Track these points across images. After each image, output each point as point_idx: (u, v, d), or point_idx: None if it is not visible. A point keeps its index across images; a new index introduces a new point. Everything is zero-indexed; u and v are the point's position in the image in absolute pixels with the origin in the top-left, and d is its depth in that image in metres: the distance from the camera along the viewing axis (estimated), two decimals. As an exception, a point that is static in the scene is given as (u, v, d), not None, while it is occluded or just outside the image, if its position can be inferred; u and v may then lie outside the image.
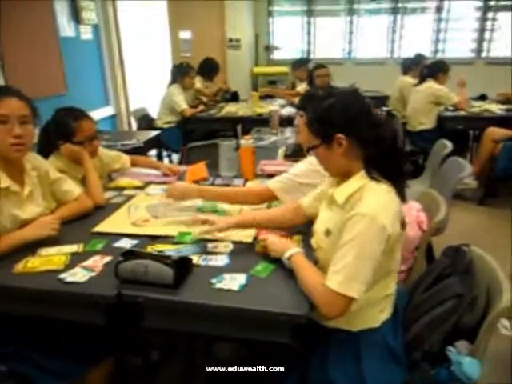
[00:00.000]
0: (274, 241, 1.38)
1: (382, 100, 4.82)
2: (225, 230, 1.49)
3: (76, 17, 4.21)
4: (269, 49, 6.36)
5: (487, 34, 6.23)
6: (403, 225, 1.75)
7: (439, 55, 6.20)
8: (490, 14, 6.19)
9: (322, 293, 1.15)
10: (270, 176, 2.19)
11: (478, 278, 1.27)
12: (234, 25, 5.58)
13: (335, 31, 6.53)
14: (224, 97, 4.75)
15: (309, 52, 6.56)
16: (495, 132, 3.84)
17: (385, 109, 4.45)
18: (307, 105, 1.32)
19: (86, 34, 4.46)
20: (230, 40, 5.60)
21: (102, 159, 2.14)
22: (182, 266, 1.26)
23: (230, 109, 4.32)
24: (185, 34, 5.59)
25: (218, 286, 1.25)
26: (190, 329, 1.29)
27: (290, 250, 1.31)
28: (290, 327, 1.17)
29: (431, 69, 3.98)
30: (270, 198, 1.72)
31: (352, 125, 1.20)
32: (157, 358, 1.97)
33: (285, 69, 5.61)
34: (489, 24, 6.22)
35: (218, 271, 1.32)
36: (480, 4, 6.14)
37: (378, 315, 1.28)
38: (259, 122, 3.71)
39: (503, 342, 2.23)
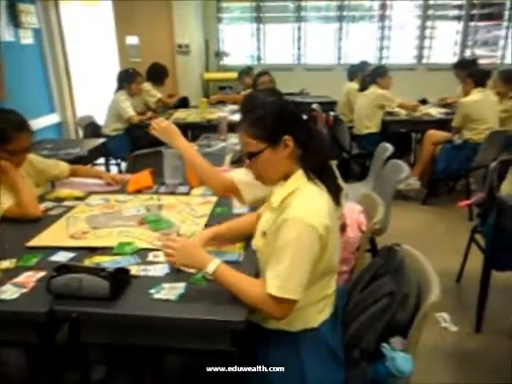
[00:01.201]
0: (180, 252, 1.26)
1: (331, 105, 4.95)
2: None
3: (15, 20, 4.04)
4: (219, 55, 6.37)
5: (427, 42, 6.56)
6: (343, 227, 1.81)
7: (384, 61, 6.45)
8: (429, 23, 6.53)
9: (263, 300, 1.16)
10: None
11: (409, 275, 1.33)
12: (183, 30, 5.55)
13: (285, 37, 6.65)
14: (176, 103, 4.71)
15: (259, 58, 6.64)
16: (434, 134, 4.05)
17: (332, 114, 4.58)
18: (247, 109, 1.31)
19: (27, 38, 4.29)
20: (179, 46, 5.57)
21: (35, 166, 2.03)
22: (119, 278, 1.24)
23: (180, 115, 4.29)
24: (132, 40, 5.50)
25: (157, 296, 1.24)
26: (130, 342, 1.27)
27: (210, 263, 1.23)
28: (230, 334, 1.18)
29: (372, 75, 4.13)
30: (230, 189, 1.61)
31: (295, 125, 1.23)
32: (102, 375, 1.91)
33: (235, 74, 5.64)
34: (428, 32, 6.55)
35: (158, 281, 1.31)
36: (420, 13, 6.47)
37: (317, 315, 1.31)
38: (209, 128, 3.71)
39: (445, 335, 2.35)
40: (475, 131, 3.65)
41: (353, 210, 1.87)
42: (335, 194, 1.25)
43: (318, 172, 1.24)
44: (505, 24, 6.48)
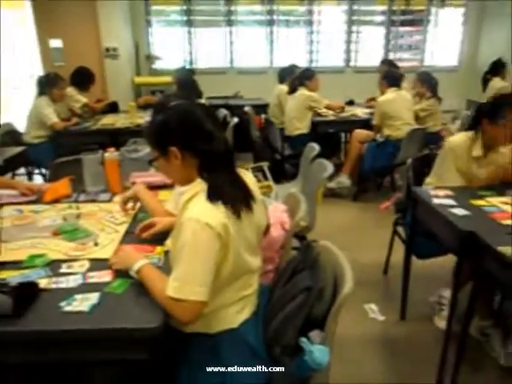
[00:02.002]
0: (119, 255, 1.37)
1: (263, 107, 5.02)
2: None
3: None
4: (150, 58, 6.25)
5: (354, 46, 6.86)
6: (267, 227, 1.83)
7: (314, 65, 6.65)
8: (355, 28, 6.83)
9: (167, 302, 1.16)
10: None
11: (325, 269, 1.37)
12: (110, 33, 5.38)
13: (217, 41, 6.66)
14: (103, 108, 4.54)
15: (191, 62, 6.59)
16: (360, 134, 4.24)
17: (264, 116, 4.65)
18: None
19: None
20: (107, 49, 5.40)
21: None
22: (24, 293, 1.17)
23: (108, 121, 4.14)
24: (55, 43, 5.25)
25: (67, 308, 1.18)
26: (40, 359, 1.20)
27: (137, 263, 1.28)
28: (146, 341, 1.15)
29: (300, 78, 4.25)
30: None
31: (185, 138, 1.23)
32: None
33: (168, 78, 5.55)
34: (355, 36, 6.85)
35: (70, 293, 1.25)
36: (346, 18, 6.75)
37: (237, 316, 1.31)
38: (138, 133, 3.60)
39: (373, 325, 2.45)
40: (393, 128, 3.88)
41: (276, 210, 1.90)
42: (241, 199, 1.25)
43: (218, 179, 1.23)
44: (424, 29, 6.93)
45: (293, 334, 1.30)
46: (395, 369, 2.13)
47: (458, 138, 2.31)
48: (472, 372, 2.07)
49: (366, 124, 4.31)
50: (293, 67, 4.77)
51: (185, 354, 1.29)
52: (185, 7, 6.40)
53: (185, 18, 6.51)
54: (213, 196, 1.20)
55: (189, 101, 1.28)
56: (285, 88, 4.57)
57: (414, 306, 2.52)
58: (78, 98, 4.35)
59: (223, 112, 4.46)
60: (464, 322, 1.84)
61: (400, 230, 2.70)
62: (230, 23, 6.54)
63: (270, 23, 6.60)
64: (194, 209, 1.18)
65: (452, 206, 1.94)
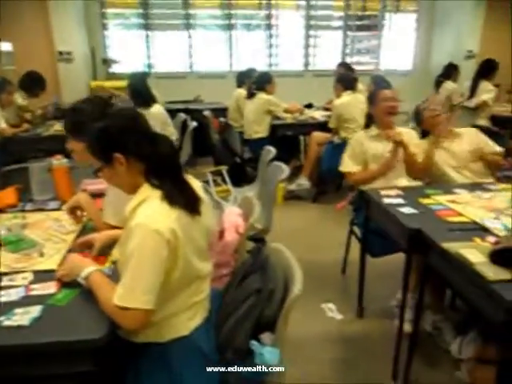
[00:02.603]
0: (67, 265, 1.34)
1: (222, 111, 5.02)
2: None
3: None
4: (107, 62, 6.12)
5: (313, 50, 6.98)
6: (221, 232, 1.82)
7: (273, 68, 6.71)
8: (313, 32, 6.95)
9: (112, 310, 1.14)
10: (94, 196, 2.10)
11: (275, 271, 1.38)
12: (64, 37, 5.23)
13: (176, 45, 6.61)
14: (55, 114, 4.38)
15: (150, 66, 6.51)
16: (318, 136, 4.31)
17: (222, 120, 4.65)
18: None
19: None
20: (61, 53, 5.24)
21: None
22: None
23: (61, 126, 4.01)
24: (5, 46, 5.04)
25: (7, 323, 1.13)
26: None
27: (86, 269, 1.26)
28: (90, 353, 1.12)
29: (258, 82, 4.27)
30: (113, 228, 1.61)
31: (128, 143, 1.21)
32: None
33: (125, 83, 5.46)
34: (313, 41, 6.97)
35: (11, 307, 1.20)
36: (304, 23, 6.85)
37: (188, 322, 1.30)
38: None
39: (331, 324, 2.49)
40: (349, 130, 3.97)
41: (231, 213, 1.90)
42: (189, 203, 1.24)
43: (166, 181, 1.22)
44: (379, 34, 7.14)
45: (244, 337, 1.30)
46: (353, 366, 2.17)
47: (361, 131, 2.81)
48: (425, 365, 2.14)
49: (324, 126, 4.38)
50: (251, 71, 4.80)
51: (135, 364, 1.26)
52: (142, 10, 6.32)
53: (142, 22, 6.42)
54: (163, 200, 1.18)
55: (129, 107, 1.25)
56: (243, 92, 4.59)
57: (371, 304, 2.58)
58: (27, 104, 4.19)
59: (182, 116, 4.42)
60: (414, 318, 1.90)
61: (356, 229, 2.76)
62: (188, 27, 6.50)
63: (229, 27, 6.61)
64: (142, 215, 1.16)
65: (401, 205, 2.00)
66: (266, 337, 1.33)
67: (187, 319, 1.29)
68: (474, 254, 1.45)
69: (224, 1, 6.47)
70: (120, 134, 1.21)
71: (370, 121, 2.74)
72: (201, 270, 1.30)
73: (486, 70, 4.89)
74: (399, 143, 2.50)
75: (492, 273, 1.35)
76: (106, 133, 1.22)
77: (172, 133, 4.01)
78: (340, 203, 2.77)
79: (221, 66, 6.67)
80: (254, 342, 1.27)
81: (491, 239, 1.58)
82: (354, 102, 4.12)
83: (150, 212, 1.16)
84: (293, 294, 1.29)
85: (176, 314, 1.27)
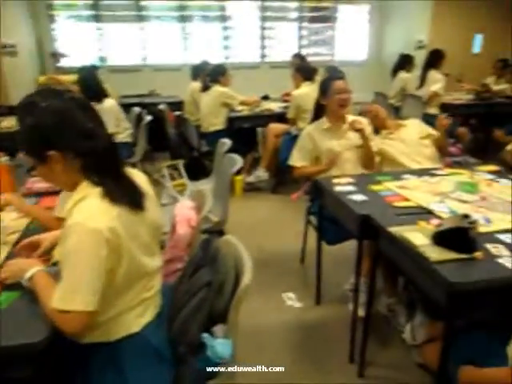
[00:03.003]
0: (10, 264, 1.27)
1: (178, 105, 4.94)
2: None
3: None
4: (55, 56, 5.87)
5: (269, 42, 6.97)
6: (173, 226, 1.79)
7: (229, 60, 6.66)
8: (269, 24, 6.95)
9: (52, 313, 1.10)
10: (39, 194, 2.02)
11: (225, 263, 1.37)
12: (7, 29, 4.95)
13: (129, 37, 6.43)
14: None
15: (102, 59, 6.31)
16: (276, 127, 4.33)
17: (177, 113, 4.58)
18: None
19: None
20: (4, 46, 4.97)
21: None
22: None
23: (8, 123, 3.83)
24: None
25: None
26: None
27: (30, 270, 1.21)
28: (28, 358, 1.08)
29: (212, 75, 4.22)
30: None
31: (63, 139, 1.14)
32: None
33: (75, 77, 5.26)
34: (268, 32, 6.97)
35: None
36: (259, 14, 6.83)
37: (138, 320, 1.27)
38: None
39: (290, 312, 2.51)
40: (307, 120, 3.96)
41: (183, 207, 1.87)
42: (131, 199, 1.20)
43: (107, 176, 1.18)
44: (333, 25, 7.23)
45: (196, 330, 1.29)
46: (312, 351, 2.21)
47: (312, 125, 2.75)
48: (381, 346, 2.21)
49: (281, 118, 4.40)
50: (205, 64, 4.74)
51: (83, 365, 1.23)
52: (92, 1, 6.10)
53: (93, 13, 6.20)
54: (104, 197, 1.14)
55: (61, 98, 1.18)
56: (198, 85, 4.53)
57: (329, 291, 2.64)
58: None
59: (137, 110, 4.32)
60: (367, 301, 1.95)
61: (312, 218, 2.79)
62: (141, 19, 6.34)
63: (183, 19, 6.50)
64: (80, 213, 1.11)
65: (352, 193, 2.04)
66: (218, 329, 1.33)
67: (137, 316, 1.27)
68: (419, 236, 1.50)
69: (178, -8, 6.36)
70: (52, 130, 1.13)
71: (319, 111, 2.73)
72: (149, 266, 1.27)
73: (434, 59, 5.06)
74: (360, 131, 2.55)
75: (435, 254, 1.40)
76: (36, 130, 1.14)
77: (126, 128, 3.92)
78: (295, 194, 2.80)
79: (176, 59, 6.55)
80: (205, 335, 1.26)
81: (435, 222, 1.64)
82: (312, 93, 4.12)
83: (87, 210, 1.11)
84: (243, 284, 1.29)
85: (125, 311, 1.24)
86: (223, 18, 6.69)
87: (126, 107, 4.25)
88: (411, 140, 2.74)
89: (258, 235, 3.45)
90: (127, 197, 1.18)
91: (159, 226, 1.37)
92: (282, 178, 4.44)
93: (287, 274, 2.90)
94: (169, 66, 6.45)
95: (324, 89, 2.65)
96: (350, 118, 2.69)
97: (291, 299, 2.62)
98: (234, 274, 1.36)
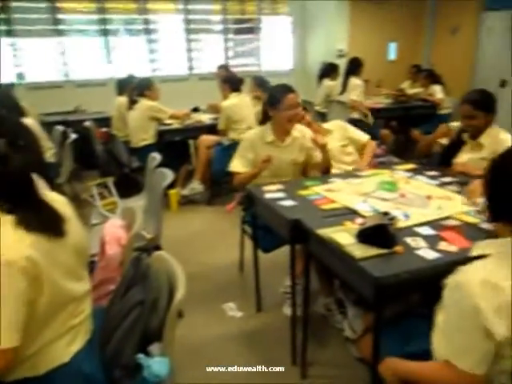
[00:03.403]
0: None
1: (105, 121, 4.79)
2: None
3: None
4: (-35, 74, 5.46)
5: (196, 54, 6.98)
6: (102, 246, 1.74)
7: (157, 73, 6.58)
8: (195, 36, 6.96)
9: None
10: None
11: (158, 279, 1.35)
12: None
13: (49, 52, 6.13)
14: None
15: (20, 76, 5.96)
16: (207, 139, 4.34)
17: (105, 129, 4.44)
18: None
19: None
20: None
21: None
22: None
23: None
24: None
25: None
26: None
27: None
28: None
29: (138, 89, 4.15)
30: None
31: None
32: None
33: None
34: (195, 44, 6.98)
35: None
36: (184, 27, 6.83)
37: (67, 348, 1.22)
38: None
39: (231, 322, 2.52)
40: (238, 131, 4.05)
41: (111, 226, 1.82)
42: (49, 225, 1.15)
43: (19, 206, 1.12)
44: (259, 36, 7.40)
45: (131, 352, 1.26)
46: (255, 358, 2.23)
47: (253, 131, 2.71)
48: (322, 346, 2.28)
49: (212, 129, 4.42)
50: (130, 78, 4.64)
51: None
52: (3, 16, 5.76)
53: (6, 28, 5.86)
54: (17, 226, 1.08)
55: None
56: (125, 100, 4.42)
57: (269, 297, 2.67)
58: None
59: (60, 129, 4.12)
60: (303, 302, 2.00)
61: (247, 227, 2.82)
62: (59, 33, 6.08)
63: (106, 32, 6.33)
64: None
65: (282, 199, 2.10)
66: (154, 348, 1.30)
67: (66, 345, 1.21)
68: (344, 236, 1.58)
69: (98, 5, 6.18)
70: None
71: (265, 118, 2.65)
72: (75, 291, 1.22)
73: (354, 67, 5.38)
74: (322, 146, 2.57)
75: (359, 251, 1.48)
76: None
77: (49, 147, 3.73)
78: (229, 205, 2.82)
79: (100, 74, 6.35)
80: (140, 356, 1.23)
81: (359, 221, 1.73)
82: (241, 103, 4.22)
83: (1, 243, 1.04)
84: (176, 299, 1.28)
85: (52, 341, 1.18)
86: (148, 31, 6.60)
87: (49, 126, 4.05)
88: (333, 149, 2.86)
89: (196, 248, 3.42)
90: (44, 223, 1.13)
91: (84, 249, 1.33)
92: (218, 190, 4.46)
93: (227, 285, 2.91)
94: (93, 82, 6.24)
95: (274, 101, 2.52)
96: (307, 131, 2.70)
97: (232, 309, 2.62)
98: (168, 290, 1.35)
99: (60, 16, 6.05)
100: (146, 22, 6.55)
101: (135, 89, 4.15)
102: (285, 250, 2.44)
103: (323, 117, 5.49)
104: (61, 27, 6.09)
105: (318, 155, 2.66)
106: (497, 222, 1.07)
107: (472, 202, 1.90)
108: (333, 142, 2.88)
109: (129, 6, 6.49)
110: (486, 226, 1.68)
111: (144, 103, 4.12)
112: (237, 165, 2.65)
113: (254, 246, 2.54)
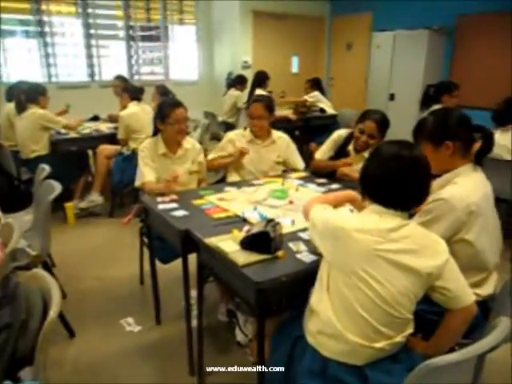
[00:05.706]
0: None
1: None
2: None
3: None
4: None
5: (98, 60, 6.68)
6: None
7: (54, 80, 6.21)
8: (97, 42, 6.66)
9: None
10: None
11: (29, 299, 1.28)
12: None
13: None
14: None
15: None
16: (106, 149, 4.18)
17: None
18: None
19: None
20: None
21: None
22: None
23: None
24: None
25: None
26: None
27: None
28: None
29: (28, 95, 3.88)
30: None
31: None
32: None
33: None
34: (97, 51, 6.68)
35: None
36: (83, 32, 6.51)
37: None
38: None
39: (130, 337, 2.44)
40: (138, 140, 3.95)
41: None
42: None
43: None
44: (165, 45, 7.31)
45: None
46: (153, 371, 2.20)
47: (145, 143, 2.68)
48: (221, 354, 2.31)
49: (112, 139, 4.27)
50: (21, 83, 4.30)
51: None
52: None
53: None
54: None
55: None
56: (13, 107, 4.10)
57: (169, 309, 2.64)
58: None
59: None
60: (198, 313, 2.02)
61: (145, 239, 2.77)
62: None
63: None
64: None
65: (174, 209, 2.09)
66: (25, 373, 1.22)
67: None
68: (230, 244, 1.62)
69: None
70: None
71: (156, 131, 2.66)
72: None
73: (259, 79, 5.60)
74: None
75: (242, 258, 1.53)
76: None
77: None
78: (125, 218, 2.74)
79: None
80: (7, 382, 1.15)
81: (245, 228, 1.79)
82: (141, 113, 4.14)
83: None
84: (48, 319, 1.22)
85: None
86: (43, 34, 6.19)
87: None
88: (268, 160, 2.86)
89: (96, 263, 3.27)
90: None
91: None
92: (119, 201, 4.31)
93: (127, 299, 2.82)
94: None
95: (162, 114, 2.56)
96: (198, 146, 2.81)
97: (130, 324, 2.55)
98: (42, 310, 1.28)
99: None
100: (41, 23, 6.14)
101: (24, 95, 3.86)
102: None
103: (233, 127, 5.58)
104: None
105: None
106: (364, 199, 1.46)
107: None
108: (270, 153, 2.88)
109: (23, 5, 6.04)
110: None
111: (34, 111, 3.86)
112: (143, 175, 2.58)
113: (150, 257, 2.50)
